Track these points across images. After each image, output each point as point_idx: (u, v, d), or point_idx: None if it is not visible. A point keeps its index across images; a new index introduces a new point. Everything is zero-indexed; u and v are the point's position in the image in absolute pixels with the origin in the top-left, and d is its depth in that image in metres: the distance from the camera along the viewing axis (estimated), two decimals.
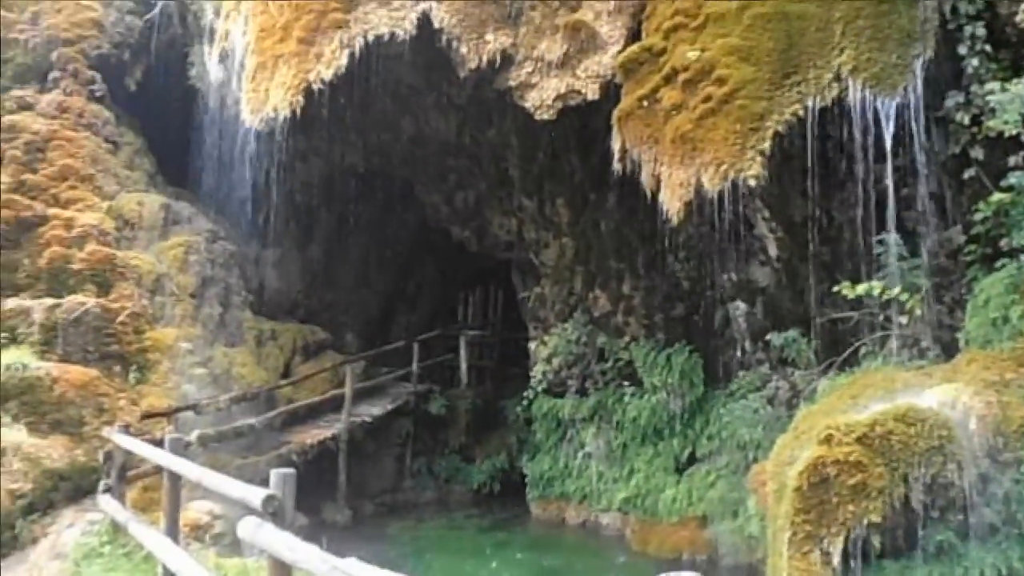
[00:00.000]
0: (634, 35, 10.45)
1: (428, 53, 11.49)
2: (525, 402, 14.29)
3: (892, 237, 8.38)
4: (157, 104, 14.33)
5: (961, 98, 8.41)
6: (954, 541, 6.50)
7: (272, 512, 4.42)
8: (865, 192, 8.66)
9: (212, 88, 13.33)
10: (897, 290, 8.25)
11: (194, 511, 8.99)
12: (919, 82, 8.23)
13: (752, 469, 9.33)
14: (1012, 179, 7.75)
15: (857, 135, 8.31)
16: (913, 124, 8.21)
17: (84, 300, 11.16)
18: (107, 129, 13.74)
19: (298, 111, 11.15)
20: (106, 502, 8.40)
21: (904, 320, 8.48)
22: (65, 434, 9.87)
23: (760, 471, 8.35)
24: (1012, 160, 7.98)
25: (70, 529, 8.64)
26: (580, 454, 13.38)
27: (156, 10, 14.63)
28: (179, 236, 13.22)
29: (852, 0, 8.56)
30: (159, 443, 7.92)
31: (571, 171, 13.52)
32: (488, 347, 17.94)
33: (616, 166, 10.04)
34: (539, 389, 14.03)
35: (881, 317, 8.94)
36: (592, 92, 10.74)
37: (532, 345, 14.90)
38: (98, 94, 13.85)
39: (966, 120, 8.38)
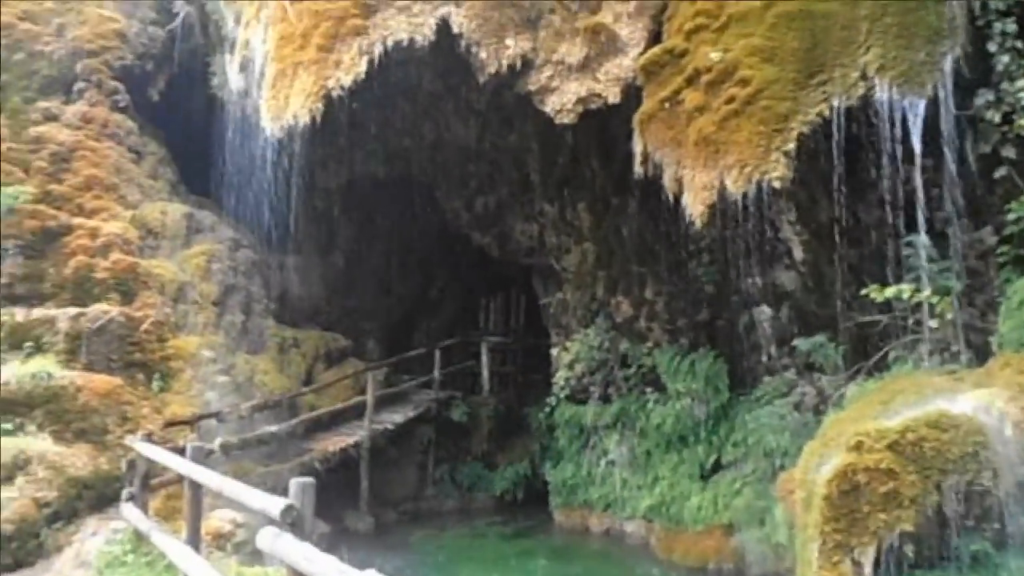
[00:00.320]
0: (655, 37, 10.36)
1: (447, 58, 11.46)
2: (547, 409, 14.21)
3: (921, 238, 8.20)
4: (180, 114, 14.43)
5: (991, 96, 8.22)
6: (990, 551, 6.33)
7: (291, 522, 4.36)
8: (893, 193, 8.48)
9: (233, 97, 13.39)
10: (927, 293, 8.07)
11: (216, 519, 9.01)
12: (948, 80, 8.03)
13: (779, 477, 9.17)
14: None
15: (884, 135, 8.13)
16: (942, 123, 8.02)
17: (108, 309, 11.24)
18: (131, 139, 13.86)
19: (318, 118, 11.16)
20: (129, 511, 8.41)
21: (935, 324, 8.28)
22: (89, 442, 9.93)
23: (788, 479, 8.19)
24: None
25: (94, 537, 8.68)
26: (603, 461, 13.26)
27: (178, 20, 14.74)
28: (202, 244, 13.30)
29: None
30: (182, 451, 7.91)
31: (592, 175, 13.43)
32: (510, 353, 17.86)
33: (638, 170, 9.96)
34: (562, 395, 13.94)
35: (911, 321, 8.74)
36: (613, 95, 10.66)
37: (554, 351, 14.82)
38: (122, 104, 13.98)
39: (996, 118, 8.20)
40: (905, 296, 8.15)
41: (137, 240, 12.58)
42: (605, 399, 13.46)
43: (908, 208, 8.43)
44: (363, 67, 10.99)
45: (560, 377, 14.08)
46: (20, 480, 9.06)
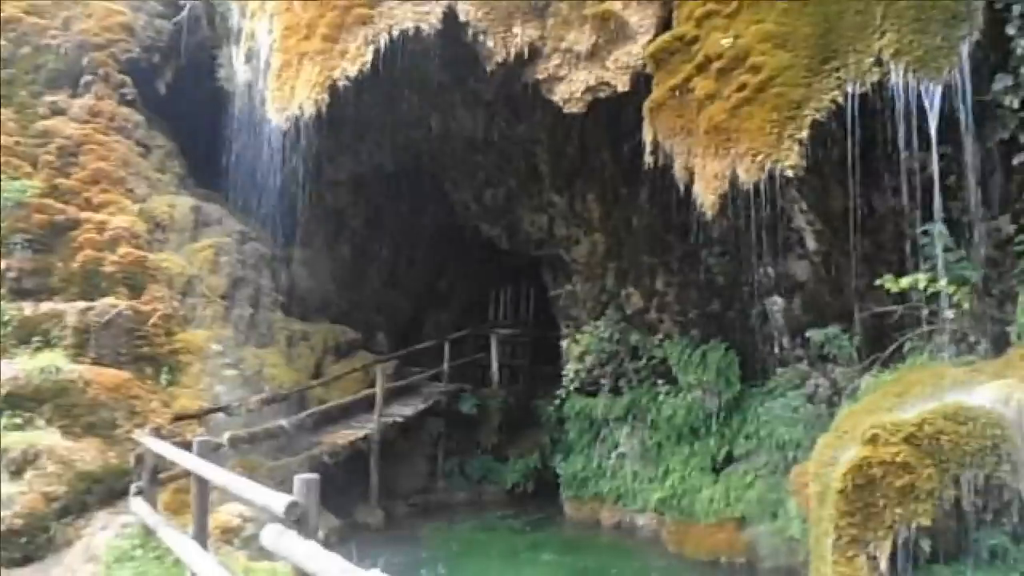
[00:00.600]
0: (665, 24, 10.18)
1: (454, 48, 11.33)
2: (557, 401, 14.13)
3: (938, 227, 8.01)
4: (187, 107, 14.37)
5: (1010, 81, 8.02)
6: (1008, 546, 6.24)
7: (295, 519, 4.29)
8: (908, 181, 8.31)
9: (240, 89, 13.32)
10: (943, 283, 7.90)
11: (225, 514, 8.97)
12: (965, 65, 7.83)
13: (793, 470, 9.06)
14: None
15: (900, 121, 7.94)
16: (959, 109, 7.84)
17: (116, 303, 11.22)
18: (138, 132, 13.82)
19: (323, 109, 11.08)
20: (138, 505, 8.40)
21: (951, 314, 8.13)
22: (98, 436, 9.90)
23: (801, 472, 8.08)
24: None
25: (103, 532, 8.67)
26: (614, 454, 13.18)
27: (184, 13, 14.67)
28: (209, 238, 13.27)
29: None
30: (190, 445, 7.87)
31: (602, 165, 13.30)
32: (520, 346, 17.76)
33: (648, 159, 9.82)
34: (572, 388, 13.85)
35: (927, 311, 8.57)
36: (622, 83, 10.50)
37: (564, 343, 14.72)
38: (129, 98, 13.94)
39: (1015, 104, 8.01)
40: (921, 286, 7.99)
41: (145, 233, 12.56)
42: (615, 391, 13.36)
43: (924, 196, 8.26)
44: (369, 57, 10.89)
45: (570, 369, 13.98)
46: (29, 474, 9.04)
